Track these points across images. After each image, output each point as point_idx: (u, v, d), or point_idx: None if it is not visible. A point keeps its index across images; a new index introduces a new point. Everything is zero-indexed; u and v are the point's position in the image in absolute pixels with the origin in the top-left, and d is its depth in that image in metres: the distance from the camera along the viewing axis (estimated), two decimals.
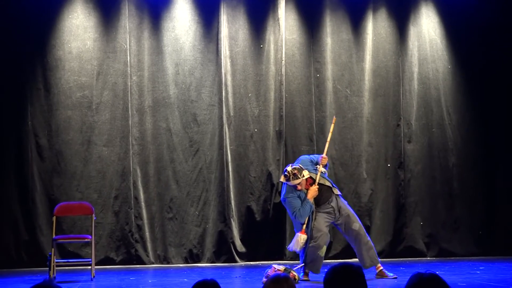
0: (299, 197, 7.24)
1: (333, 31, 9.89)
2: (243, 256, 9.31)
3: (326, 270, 3.31)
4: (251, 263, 9.26)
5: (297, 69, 9.77)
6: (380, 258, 9.47)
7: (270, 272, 7.02)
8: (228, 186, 9.34)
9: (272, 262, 8.78)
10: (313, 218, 7.29)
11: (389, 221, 9.77)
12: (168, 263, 9.14)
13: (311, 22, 9.85)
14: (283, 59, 9.66)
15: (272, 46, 9.69)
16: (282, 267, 7.20)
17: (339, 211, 7.41)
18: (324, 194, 7.37)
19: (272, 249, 9.40)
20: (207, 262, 9.22)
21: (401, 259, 9.57)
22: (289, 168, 7.27)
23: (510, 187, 10.04)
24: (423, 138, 10.02)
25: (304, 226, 7.27)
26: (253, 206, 9.42)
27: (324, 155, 7.54)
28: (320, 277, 7.34)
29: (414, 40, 10.11)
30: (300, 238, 7.24)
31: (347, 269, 3.24)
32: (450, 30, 10.18)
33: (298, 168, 7.28)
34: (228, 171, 9.37)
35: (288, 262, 8.97)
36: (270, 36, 9.70)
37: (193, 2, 9.53)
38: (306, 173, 7.30)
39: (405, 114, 9.98)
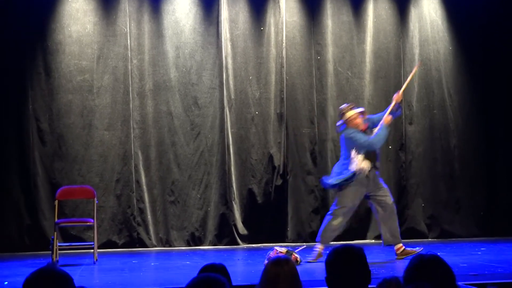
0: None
1: (333, 13, 9.86)
2: (245, 239, 9.34)
3: (327, 252, 3.32)
4: (253, 245, 9.28)
5: (298, 52, 9.75)
6: (381, 240, 9.53)
7: (272, 254, 7.04)
8: (229, 169, 9.35)
9: (274, 244, 8.77)
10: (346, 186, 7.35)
11: None
12: (170, 246, 9.17)
13: (311, 4, 9.82)
14: (284, 41, 9.64)
15: (272, 28, 9.67)
16: (284, 249, 7.23)
17: (373, 182, 7.43)
18: (371, 154, 7.42)
19: (274, 231, 9.42)
20: (209, 245, 9.25)
21: (403, 240, 9.53)
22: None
23: (511, 168, 10.04)
24: (424, 120, 10.01)
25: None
26: (255, 188, 9.44)
27: (400, 91, 7.63)
28: (321, 258, 7.37)
29: (415, 22, 10.08)
30: (360, 157, 7.30)
31: (348, 250, 3.25)
32: (451, 11, 10.14)
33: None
34: (229, 154, 9.37)
35: (290, 244, 9.00)
36: (270, 18, 9.68)
37: None
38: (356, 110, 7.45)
39: (406, 96, 9.95)
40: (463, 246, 8.64)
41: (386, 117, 7.48)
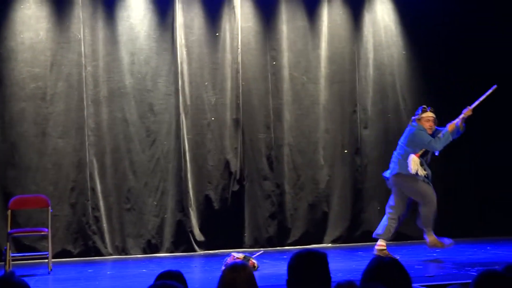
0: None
1: (288, 18, 9.90)
2: (202, 245, 9.30)
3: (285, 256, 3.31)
4: (210, 252, 9.25)
5: (253, 57, 9.76)
6: (338, 244, 9.61)
7: (229, 260, 7.03)
8: (186, 175, 9.31)
9: (231, 250, 8.75)
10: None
11: (346, 207, 9.85)
12: (126, 254, 9.08)
13: (266, 9, 9.84)
14: (239, 47, 9.64)
15: (228, 34, 9.67)
16: (241, 255, 7.22)
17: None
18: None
19: (231, 237, 9.40)
20: (166, 252, 9.18)
21: (359, 244, 9.66)
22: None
23: (465, 168, 10.18)
24: (379, 124, 10.10)
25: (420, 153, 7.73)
26: (212, 195, 9.41)
27: (471, 107, 7.88)
28: (279, 264, 7.39)
29: (369, 27, 10.18)
30: (415, 159, 7.64)
31: (311, 255, 3.26)
32: (404, 16, 10.27)
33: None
34: (185, 160, 9.33)
35: (247, 250, 8.98)
36: (225, 24, 9.67)
37: None
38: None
39: (361, 100, 10.05)
40: (419, 248, 8.72)
41: (451, 125, 7.79)
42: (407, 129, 7.98)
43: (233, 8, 9.65)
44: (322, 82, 9.95)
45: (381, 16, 10.22)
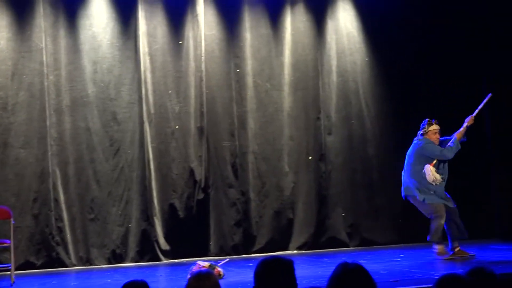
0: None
1: (251, 26, 9.92)
2: (167, 254, 9.25)
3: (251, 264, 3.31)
4: (176, 260, 9.20)
5: (217, 65, 9.76)
6: (304, 250, 9.64)
7: (195, 269, 7.00)
8: (150, 184, 9.25)
9: (196, 259, 8.73)
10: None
11: (311, 213, 9.88)
12: (90, 264, 8.99)
13: (229, 17, 9.85)
14: (203, 55, 9.63)
15: (191, 42, 9.65)
16: (206, 264, 7.20)
17: None
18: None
19: (196, 245, 9.37)
20: (131, 262, 9.11)
21: (325, 250, 9.69)
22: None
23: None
24: (343, 130, 10.17)
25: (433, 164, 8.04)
26: (176, 203, 9.37)
27: (473, 116, 8.17)
28: (245, 271, 7.38)
29: (331, 34, 10.24)
30: (431, 169, 7.97)
31: (277, 262, 3.27)
32: (367, 23, 10.36)
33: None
34: (150, 169, 9.28)
35: (212, 258, 8.97)
36: (189, 32, 9.66)
37: None
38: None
39: (325, 107, 10.10)
40: (383, 253, 8.79)
41: (458, 133, 8.10)
42: (414, 145, 8.25)
43: (196, 16, 9.64)
44: (286, 89, 9.98)
45: (344, 23, 10.29)
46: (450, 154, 8.08)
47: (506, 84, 10.15)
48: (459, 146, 8.12)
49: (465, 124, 8.16)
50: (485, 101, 8.35)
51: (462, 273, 3.12)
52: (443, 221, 7.97)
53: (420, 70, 10.39)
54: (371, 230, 10.01)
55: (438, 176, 8.00)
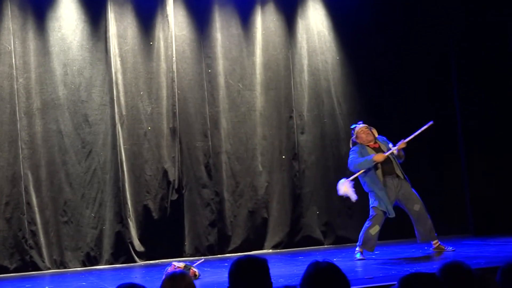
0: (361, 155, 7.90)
1: (222, 26, 9.92)
2: (142, 256, 9.22)
3: (227, 264, 3.31)
4: (151, 262, 9.17)
5: (189, 65, 9.75)
6: (279, 249, 9.66)
7: (170, 269, 6.98)
8: (123, 186, 9.21)
9: (171, 259, 8.73)
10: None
11: (286, 212, 9.91)
12: (65, 267, 8.93)
13: (200, 18, 9.84)
14: (174, 55, 9.61)
15: (162, 43, 9.63)
16: (182, 264, 7.17)
17: (400, 188, 7.87)
18: (388, 165, 7.87)
19: (171, 246, 9.35)
20: (105, 264, 9.07)
21: (300, 248, 9.72)
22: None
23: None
24: (316, 129, 10.20)
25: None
26: (150, 204, 9.34)
27: (405, 141, 7.95)
28: (220, 271, 7.37)
29: (302, 33, 10.28)
30: (342, 183, 7.90)
31: (251, 261, 3.27)
32: (337, 22, 10.41)
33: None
34: (123, 170, 9.24)
35: (188, 258, 8.95)
36: (159, 33, 9.63)
37: (79, 0, 9.34)
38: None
39: (297, 106, 10.13)
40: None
41: (378, 155, 7.82)
42: None
43: (167, 16, 9.62)
44: (258, 88, 9.99)
45: (314, 22, 10.33)
46: (351, 165, 7.89)
47: (475, 79, 10.25)
48: (364, 167, 7.80)
49: (395, 147, 7.91)
50: (423, 128, 8.06)
51: (432, 270, 3.13)
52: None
53: (390, 67, 10.45)
54: (345, 228, 10.06)
55: (349, 191, 7.90)
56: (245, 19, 10.01)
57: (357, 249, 7.91)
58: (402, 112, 10.42)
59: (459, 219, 10.27)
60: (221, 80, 9.84)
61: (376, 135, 8.17)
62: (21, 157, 8.90)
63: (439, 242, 8.01)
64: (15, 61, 9.01)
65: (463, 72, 10.30)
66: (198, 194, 9.56)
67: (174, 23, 9.64)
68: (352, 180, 7.95)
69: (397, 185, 7.93)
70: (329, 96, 10.30)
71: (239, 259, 3.27)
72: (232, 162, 9.77)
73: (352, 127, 8.21)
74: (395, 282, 4.62)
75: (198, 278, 7.04)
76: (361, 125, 8.15)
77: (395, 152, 7.93)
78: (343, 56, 10.41)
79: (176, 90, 9.58)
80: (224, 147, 9.73)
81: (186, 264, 7.18)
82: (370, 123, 10.23)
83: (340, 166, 10.14)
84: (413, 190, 7.98)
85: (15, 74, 8.99)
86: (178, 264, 7.17)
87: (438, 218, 10.10)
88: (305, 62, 10.25)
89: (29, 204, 8.87)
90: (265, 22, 10.11)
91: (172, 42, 9.61)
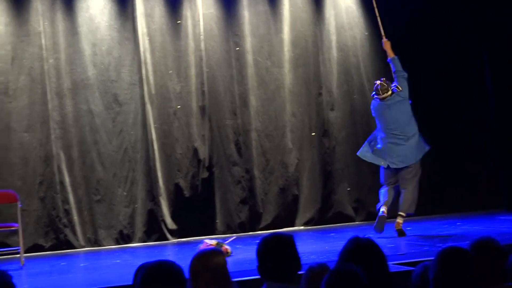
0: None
1: (249, 3, 9.88)
2: (174, 234, 9.29)
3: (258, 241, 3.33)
4: (183, 239, 9.24)
5: (216, 44, 9.74)
6: (310, 226, 9.67)
7: (202, 247, 7.03)
8: (154, 164, 9.27)
9: (203, 237, 8.78)
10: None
11: (316, 189, 9.90)
12: (99, 245, 9.03)
13: None
14: (202, 34, 9.60)
15: (189, 21, 9.62)
16: (214, 242, 7.23)
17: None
18: None
19: (203, 224, 9.40)
20: (138, 242, 9.16)
21: (331, 225, 9.73)
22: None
23: (434, 146, 10.27)
24: (345, 105, 10.16)
25: None
26: (181, 183, 9.39)
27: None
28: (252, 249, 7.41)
29: (330, 9, 10.20)
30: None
31: (277, 239, 3.28)
32: None
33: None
34: (153, 149, 9.29)
35: (219, 236, 8.99)
36: (187, 11, 9.62)
37: None
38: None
39: (326, 82, 10.09)
40: (390, 227, 8.80)
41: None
42: (394, 104, 8.09)
43: None
44: (287, 65, 9.96)
45: None
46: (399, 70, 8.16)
47: (507, 54, 10.13)
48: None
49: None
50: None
51: (464, 245, 3.13)
52: None
53: (420, 41, 10.34)
54: (376, 204, 10.01)
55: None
56: None
57: None
58: (430, 87, 10.33)
59: (493, 194, 10.19)
60: (249, 57, 9.82)
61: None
62: (53, 137, 8.99)
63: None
64: (44, 42, 9.07)
65: (494, 46, 10.20)
66: (228, 172, 9.59)
67: (201, 1, 9.62)
68: None
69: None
70: (358, 72, 10.23)
71: (266, 237, 3.29)
72: (262, 140, 9.77)
73: (375, 89, 8.22)
74: (427, 258, 4.62)
75: (230, 256, 7.08)
76: (377, 81, 8.20)
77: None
78: (372, 32, 10.29)
79: (204, 68, 9.58)
80: (254, 125, 9.73)
81: (218, 242, 7.23)
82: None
83: None
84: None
85: (45, 55, 9.06)
86: (210, 241, 7.23)
87: (472, 193, 10.09)
88: (334, 38, 10.18)
89: (62, 183, 8.97)
90: None
91: (199, 21, 9.61)
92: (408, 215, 8.04)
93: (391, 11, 9.80)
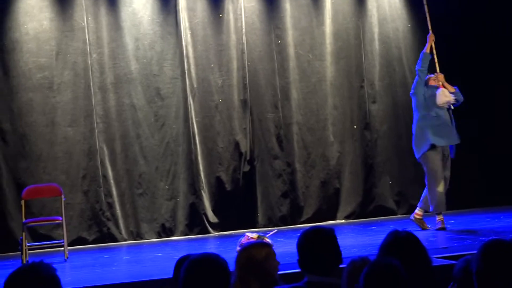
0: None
1: None
2: (216, 227, 9.33)
3: (298, 235, 3.33)
4: (224, 233, 9.28)
5: (258, 37, 9.73)
6: (351, 219, 9.63)
7: (244, 240, 7.04)
8: (196, 158, 9.32)
9: (245, 230, 8.79)
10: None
11: (358, 182, 9.85)
12: (141, 239, 9.12)
13: None
14: (243, 27, 9.61)
15: (231, 15, 9.64)
16: (255, 235, 7.23)
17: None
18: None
19: (244, 217, 9.43)
20: (180, 235, 9.22)
21: (372, 218, 9.68)
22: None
23: (474, 139, 10.15)
24: (387, 98, 10.08)
25: None
26: (223, 176, 9.43)
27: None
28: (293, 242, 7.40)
29: (372, 1, 10.13)
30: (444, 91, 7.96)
31: (318, 232, 3.27)
32: None
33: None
34: (195, 143, 9.34)
35: (261, 229, 9.01)
36: (228, 5, 9.64)
37: None
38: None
39: (368, 75, 10.02)
40: (433, 220, 8.70)
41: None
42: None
43: None
44: (328, 58, 9.92)
45: None
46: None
47: None
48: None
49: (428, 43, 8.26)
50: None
51: (506, 239, 3.07)
52: None
53: (463, 33, 10.21)
54: (419, 197, 9.88)
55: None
56: None
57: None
58: (472, 79, 10.20)
59: None
60: (291, 50, 9.80)
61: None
62: (96, 131, 9.10)
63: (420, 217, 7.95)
64: (88, 37, 9.17)
65: None
66: (270, 165, 9.59)
67: None
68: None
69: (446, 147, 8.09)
70: (401, 64, 10.14)
71: (306, 231, 3.29)
72: (303, 133, 9.75)
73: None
74: (470, 252, 4.56)
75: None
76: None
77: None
78: (415, 24, 10.20)
79: (246, 62, 9.59)
80: (295, 118, 9.71)
81: (259, 235, 7.23)
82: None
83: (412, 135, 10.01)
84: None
85: (88, 49, 9.16)
86: (251, 235, 7.23)
87: (490, 188, 9.94)
88: (376, 30, 10.10)
89: (105, 177, 9.07)
90: None
91: (241, 14, 9.62)
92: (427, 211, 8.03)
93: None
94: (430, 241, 6.76)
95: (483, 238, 6.69)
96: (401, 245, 2.98)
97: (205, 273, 2.75)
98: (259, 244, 3.36)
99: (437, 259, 5.33)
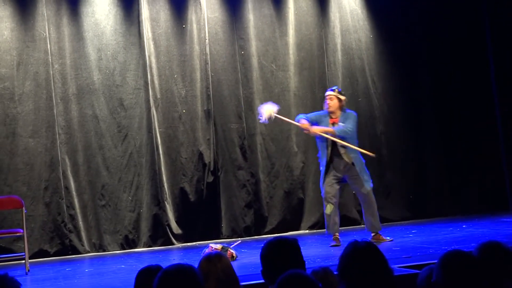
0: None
1: (254, 7, 9.89)
2: (179, 238, 9.29)
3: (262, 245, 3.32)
4: (188, 244, 9.24)
5: (221, 47, 9.74)
6: (315, 229, 9.66)
7: (207, 251, 7.02)
8: (160, 169, 9.28)
9: (209, 241, 8.79)
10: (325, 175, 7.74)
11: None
12: (104, 250, 9.04)
13: None
14: (207, 38, 9.61)
15: (194, 25, 9.63)
16: (219, 246, 7.22)
17: (348, 170, 7.73)
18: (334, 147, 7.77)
19: (208, 228, 9.41)
20: (143, 247, 9.16)
21: (341, 228, 9.67)
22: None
23: (437, 150, 10.26)
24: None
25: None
26: (186, 187, 9.39)
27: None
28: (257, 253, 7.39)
29: (335, 12, 10.20)
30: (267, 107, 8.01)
31: (281, 243, 3.27)
32: (369, 0, 10.31)
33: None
34: (159, 154, 9.30)
35: (225, 240, 8.99)
36: (192, 15, 9.64)
37: None
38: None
39: (331, 85, 10.04)
40: (395, 230, 8.79)
41: (306, 124, 7.94)
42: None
43: None
44: (292, 69, 9.96)
45: (347, 0, 10.25)
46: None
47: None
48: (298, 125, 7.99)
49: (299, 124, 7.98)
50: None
51: (469, 249, 3.11)
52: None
53: (424, 44, 10.34)
54: (382, 207, 9.94)
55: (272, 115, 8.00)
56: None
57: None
58: (437, 88, 10.33)
59: (499, 197, 10.16)
60: (255, 61, 9.82)
61: (339, 108, 7.94)
62: (58, 142, 9.00)
63: (380, 233, 7.83)
64: (50, 47, 9.09)
65: (498, 43, 10.17)
66: (233, 176, 9.59)
67: (206, 5, 9.63)
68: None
69: (344, 167, 7.80)
70: (363, 75, 10.23)
71: (270, 242, 3.29)
72: (267, 143, 9.77)
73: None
74: (432, 261, 4.60)
75: (235, 260, 7.08)
76: (329, 91, 8.03)
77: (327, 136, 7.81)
78: (377, 34, 10.31)
79: (209, 72, 9.59)
80: (259, 128, 9.72)
81: (223, 246, 7.22)
82: (405, 100, 10.18)
83: (376, 145, 10.09)
84: (363, 173, 7.80)
85: (50, 60, 9.08)
86: (215, 245, 7.22)
87: (477, 196, 10.08)
88: (338, 41, 10.18)
89: (67, 188, 8.98)
90: (297, 1, 10.05)
91: (204, 25, 9.62)
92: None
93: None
94: (394, 250, 6.79)
95: (446, 248, 6.75)
96: (361, 255, 2.98)
97: (179, 284, 2.75)
98: (218, 256, 3.35)
99: (400, 269, 5.36)
